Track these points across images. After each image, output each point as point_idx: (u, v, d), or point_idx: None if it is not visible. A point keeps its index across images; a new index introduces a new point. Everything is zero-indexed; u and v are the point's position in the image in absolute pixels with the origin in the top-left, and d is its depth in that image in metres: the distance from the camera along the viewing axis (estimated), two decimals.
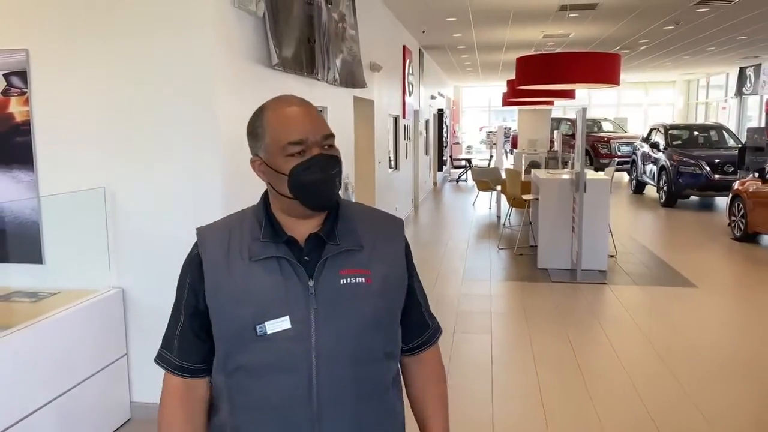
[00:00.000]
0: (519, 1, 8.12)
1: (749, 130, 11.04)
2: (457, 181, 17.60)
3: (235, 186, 3.42)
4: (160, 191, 3.34)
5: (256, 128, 1.24)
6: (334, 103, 5.68)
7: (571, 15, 9.07)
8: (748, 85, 17.38)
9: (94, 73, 3.31)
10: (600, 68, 6.80)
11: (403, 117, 10.23)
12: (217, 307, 1.22)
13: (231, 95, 3.44)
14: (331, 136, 1.24)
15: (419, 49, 12.23)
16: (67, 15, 3.29)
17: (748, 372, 4.12)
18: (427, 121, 14.57)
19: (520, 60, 7.23)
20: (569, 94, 10.89)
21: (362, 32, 6.75)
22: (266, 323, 1.18)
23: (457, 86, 24.10)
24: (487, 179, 10.88)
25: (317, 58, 4.88)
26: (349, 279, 1.23)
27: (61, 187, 3.40)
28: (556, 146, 13.24)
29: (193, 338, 1.27)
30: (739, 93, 17.94)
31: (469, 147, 24.99)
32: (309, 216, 1.25)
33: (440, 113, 17.17)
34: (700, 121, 21.05)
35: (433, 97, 15.30)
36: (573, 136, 18.30)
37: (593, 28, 10.48)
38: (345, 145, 6.29)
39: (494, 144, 22.20)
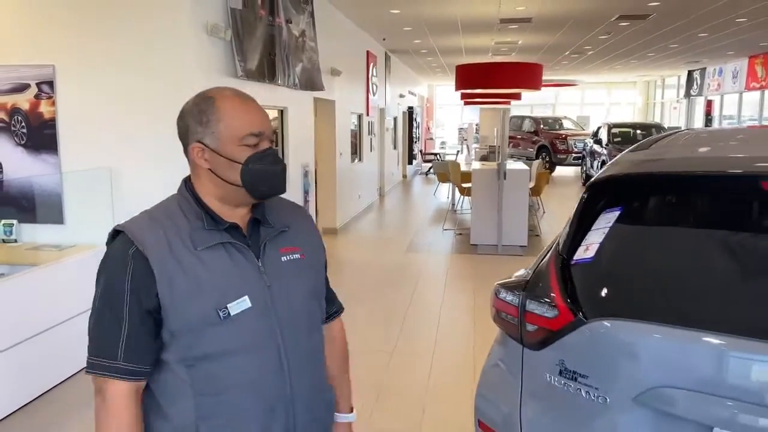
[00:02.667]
0: (463, 13, 9.33)
1: (667, 128, 12.41)
2: (427, 173, 18.86)
3: None
4: (152, 170, 4.55)
5: (207, 115, 1.26)
6: (294, 104, 6.89)
7: (512, 27, 10.33)
8: (695, 87, 18.80)
9: (104, 82, 4.51)
10: (523, 76, 8.04)
11: (367, 114, 11.44)
12: (173, 300, 1.20)
13: None
14: (275, 134, 1.71)
15: (385, 53, 13.44)
16: (84, 39, 4.49)
17: None
18: (395, 118, 15.81)
19: (458, 68, 8.44)
20: (515, 96, 12.17)
21: (325, 42, 7.96)
22: (228, 306, 1.22)
23: (431, 85, 25.34)
24: (445, 171, 12.13)
25: (278, 67, 6.09)
26: (288, 256, 1.33)
27: (78, 167, 4.59)
28: (496, 141, 14.52)
29: (147, 339, 1.22)
30: (688, 94, 19.37)
31: (443, 142, 26.26)
32: (244, 204, 1.30)
33: (410, 110, 18.39)
34: (657, 120, 22.49)
35: (401, 96, 16.52)
36: (535, 132, 19.71)
37: (537, 37, 11.76)
38: (305, 138, 7.51)
39: (465, 140, 23.53)
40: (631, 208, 1.77)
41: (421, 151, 20.77)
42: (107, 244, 1.31)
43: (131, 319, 1.20)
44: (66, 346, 4.03)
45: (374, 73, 11.87)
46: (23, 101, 4.56)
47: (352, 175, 10.33)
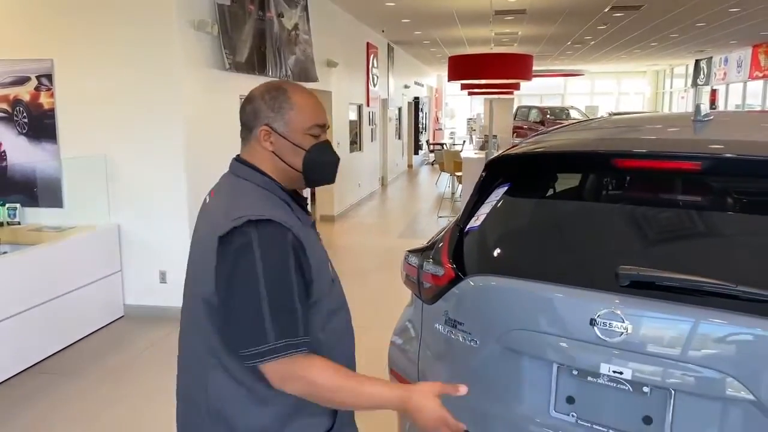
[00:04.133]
0: (458, 5, 9.53)
1: None
2: (433, 163, 19.08)
3: (192, 151, 4.95)
4: (143, 157, 4.88)
5: (280, 103, 1.38)
6: None
7: (508, 18, 10.51)
8: (702, 76, 18.77)
9: (98, 75, 4.84)
10: (513, 66, 8.26)
11: (368, 105, 11.70)
12: (317, 271, 1.37)
13: (193, 90, 4.97)
14: None
15: (388, 45, 13.67)
16: (80, 35, 4.81)
17: None
18: (399, 109, 16.04)
19: (450, 59, 8.68)
20: (514, 86, 12.36)
21: (322, 34, 8.23)
22: (330, 271, 1.46)
23: (440, 75, 25.48)
24: (444, 161, 12.38)
25: (268, 60, 6.38)
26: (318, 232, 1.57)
27: (75, 154, 4.94)
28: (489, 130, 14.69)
29: (308, 316, 1.35)
30: (695, 84, 19.33)
31: (452, 133, 26.41)
32: (293, 188, 1.47)
33: (416, 101, 18.59)
34: (665, 109, 22.44)
35: (406, 87, 16.74)
36: (541, 122, 19.82)
37: (535, 28, 11.90)
38: None
39: (474, 130, 23.66)
40: (517, 183, 2.04)
41: (427, 141, 20.99)
42: (242, 240, 1.28)
43: (301, 299, 1.31)
44: (63, 318, 4.38)
45: (375, 64, 12.11)
46: (24, 93, 4.91)
47: (351, 164, 10.61)
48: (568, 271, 1.73)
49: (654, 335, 1.52)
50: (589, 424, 1.61)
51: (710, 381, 1.45)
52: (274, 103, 1.38)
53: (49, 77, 4.86)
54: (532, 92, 25.18)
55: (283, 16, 6.87)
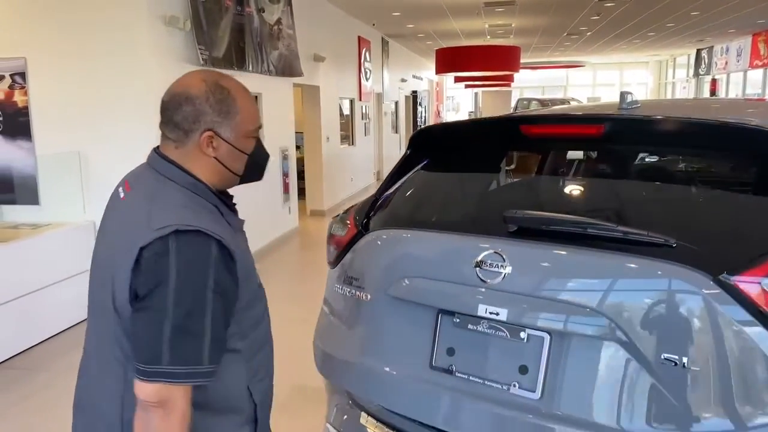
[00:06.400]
0: None
1: None
2: None
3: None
4: (117, 154, 4.89)
5: (227, 107, 1.29)
6: (270, 90, 7.19)
7: (498, 9, 10.45)
8: (703, 66, 18.59)
9: (72, 73, 4.86)
10: (500, 58, 8.23)
11: (360, 99, 11.68)
12: (245, 278, 1.29)
13: (166, 86, 4.96)
14: None
15: (382, 39, 13.63)
16: (52, 32, 4.84)
17: None
18: (396, 103, 16.00)
19: (438, 51, 8.66)
20: (509, 78, 12.33)
21: (310, 29, 8.23)
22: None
23: None
24: None
25: (248, 55, 6.39)
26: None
27: (50, 151, 4.97)
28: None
29: (225, 335, 1.25)
30: (696, 74, 19.16)
31: None
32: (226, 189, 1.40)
33: (414, 95, 18.55)
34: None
35: (403, 81, 16.69)
36: None
37: (528, 20, 11.81)
38: (284, 123, 7.82)
39: None
40: (436, 156, 2.08)
41: None
42: (159, 249, 1.18)
43: (215, 321, 1.19)
44: (37, 315, 4.43)
45: (367, 59, 12.08)
46: None
47: (343, 159, 10.61)
48: (462, 221, 1.77)
49: (533, 276, 1.51)
50: (466, 376, 1.59)
51: (585, 322, 1.41)
52: (221, 106, 1.29)
53: (23, 75, 4.90)
54: (535, 84, 25.10)
55: (264, 11, 6.87)
